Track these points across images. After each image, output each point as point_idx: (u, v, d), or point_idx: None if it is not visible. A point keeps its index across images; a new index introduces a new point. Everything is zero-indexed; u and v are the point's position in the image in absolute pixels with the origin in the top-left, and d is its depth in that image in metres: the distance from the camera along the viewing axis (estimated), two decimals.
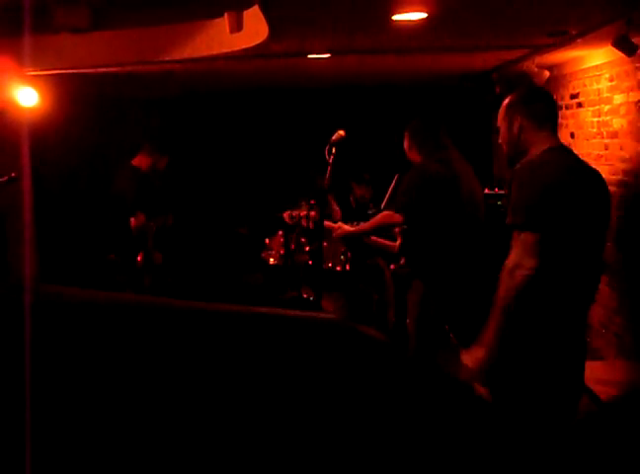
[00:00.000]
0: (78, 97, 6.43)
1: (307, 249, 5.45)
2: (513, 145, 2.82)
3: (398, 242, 4.58)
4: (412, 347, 4.59)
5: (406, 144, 4.26)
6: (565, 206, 2.48)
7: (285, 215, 4.69)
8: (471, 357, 2.45)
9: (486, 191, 5.49)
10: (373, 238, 4.64)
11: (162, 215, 5.51)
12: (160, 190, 5.71)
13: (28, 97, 5.04)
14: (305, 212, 4.60)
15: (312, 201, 5.36)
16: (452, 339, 4.90)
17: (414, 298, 4.50)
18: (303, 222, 4.61)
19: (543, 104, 2.86)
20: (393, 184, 4.97)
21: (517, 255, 2.41)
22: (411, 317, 4.54)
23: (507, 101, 2.93)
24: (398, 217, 4.22)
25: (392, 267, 4.60)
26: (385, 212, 4.38)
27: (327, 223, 4.59)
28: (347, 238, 4.60)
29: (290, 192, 5.94)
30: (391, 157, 7.38)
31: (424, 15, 3.45)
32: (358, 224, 4.88)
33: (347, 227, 4.59)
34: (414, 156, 4.23)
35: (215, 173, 7.90)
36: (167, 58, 4.65)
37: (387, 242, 4.66)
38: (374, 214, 6.05)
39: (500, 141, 2.93)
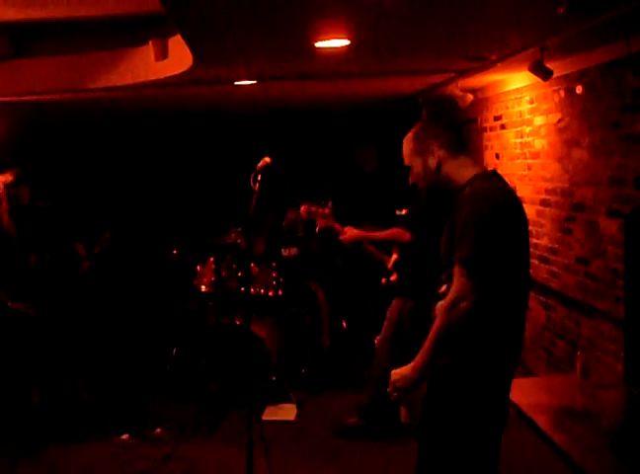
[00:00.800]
0: (2, 124, 6.28)
1: (239, 275, 5.42)
2: (431, 182, 2.61)
3: (393, 257, 4.61)
4: (377, 360, 4.62)
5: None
6: (505, 238, 2.39)
7: (302, 209, 4.62)
8: (400, 375, 2.45)
9: None
10: (371, 248, 4.63)
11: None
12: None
13: None
14: (321, 209, 4.54)
15: (238, 229, 5.34)
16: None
17: (392, 316, 4.55)
18: (318, 221, 4.56)
19: (454, 127, 2.77)
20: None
21: (458, 289, 2.34)
22: (385, 334, 4.57)
23: (412, 133, 2.67)
24: (407, 236, 4.33)
25: (383, 281, 4.61)
26: (397, 229, 4.44)
27: (336, 225, 4.56)
28: (352, 242, 4.55)
29: (220, 218, 5.91)
30: (322, 181, 7.48)
31: (346, 42, 3.49)
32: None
33: (355, 231, 4.55)
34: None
35: (144, 199, 7.80)
36: (92, 86, 4.59)
37: (382, 255, 4.68)
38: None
39: (412, 180, 2.68)
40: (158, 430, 4.77)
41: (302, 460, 4.37)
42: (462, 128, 2.52)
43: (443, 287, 2.47)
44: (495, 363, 2.40)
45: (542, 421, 2.77)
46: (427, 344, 2.39)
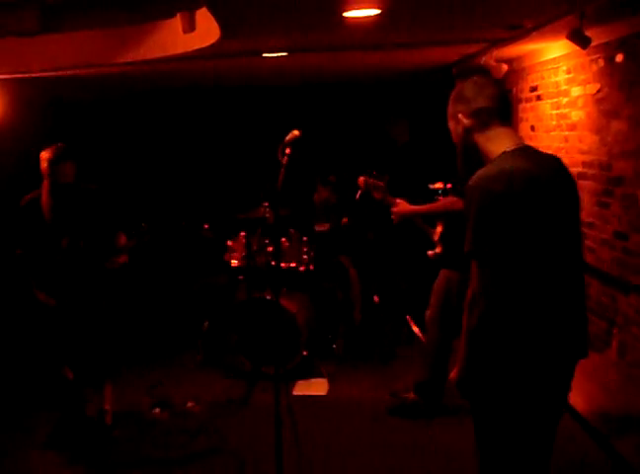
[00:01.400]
0: (32, 102, 6.30)
1: (270, 249, 5.40)
2: (463, 148, 2.51)
3: (438, 230, 4.55)
4: (429, 336, 4.56)
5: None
6: (526, 226, 2.22)
7: (360, 180, 4.61)
8: (453, 380, 2.42)
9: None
10: (419, 221, 4.57)
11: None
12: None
13: None
14: (377, 181, 4.56)
15: (265, 203, 5.30)
16: None
17: (439, 288, 4.47)
18: (374, 193, 4.56)
19: (489, 97, 2.46)
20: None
21: (474, 287, 2.24)
22: (433, 308, 4.50)
23: (450, 95, 2.58)
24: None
25: (430, 253, 4.55)
26: (452, 198, 4.29)
27: (390, 198, 4.53)
28: (405, 215, 4.49)
29: (251, 192, 5.87)
30: (355, 156, 7.40)
31: (377, 11, 3.40)
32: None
33: (407, 205, 4.50)
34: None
35: (174, 175, 7.79)
36: (120, 61, 4.55)
37: (428, 228, 4.63)
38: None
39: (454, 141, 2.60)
40: (189, 404, 4.79)
41: (332, 435, 4.35)
42: (501, 99, 2.29)
43: None
44: (533, 350, 2.28)
45: (576, 401, 2.70)
46: (461, 340, 2.33)
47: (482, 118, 2.43)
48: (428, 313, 4.56)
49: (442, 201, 4.40)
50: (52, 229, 4.25)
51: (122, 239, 4.44)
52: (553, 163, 2.47)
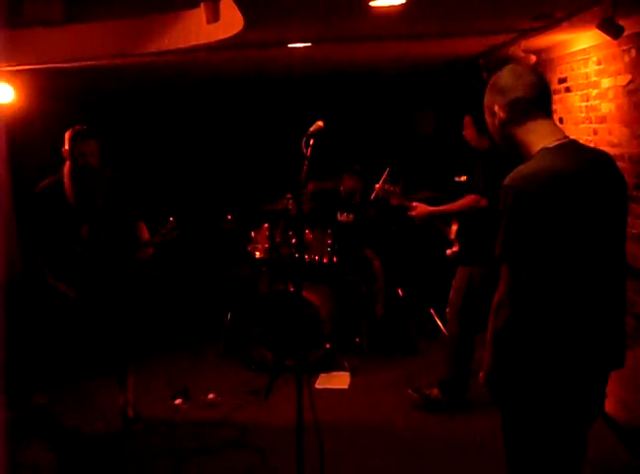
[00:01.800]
0: (58, 92, 6.32)
1: (293, 241, 5.37)
2: (499, 141, 2.37)
3: (454, 228, 4.51)
4: (450, 333, 4.54)
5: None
6: (560, 230, 2.09)
7: (378, 189, 4.86)
8: (482, 379, 2.35)
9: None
10: (437, 222, 4.64)
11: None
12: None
13: (3, 93, 4.93)
14: (393, 187, 4.86)
15: (289, 195, 5.27)
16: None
17: (457, 285, 4.43)
18: (392, 199, 4.81)
19: (527, 86, 2.27)
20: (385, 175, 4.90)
21: (503, 290, 2.14)
22: (452, 304, 4.47)
23: (488, 83, 2.40)
24: (484, 202, 4.13)
25: (448, 252, 4.54)
26: (472, 197, 4.24)
27: (407, 202, 4.60)
28: (423, 217, 4.50)
29: (275, 184, 5.84)
30: (379, 148, 7.34)
31: (402, 0, 3.34)
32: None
33: (425, 207, 4.51)
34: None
35: (197, 165, 7.78)
36: (144, 51, 4.53)
37: (444, 226, 4.63)
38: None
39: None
40: (211, 395, 4.79)
41: (353, 429, 4.32)
42: (540, 89, 2.12)
43: None
44: (563, 355, 2.21)
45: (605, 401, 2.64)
46: (487, 343, 2.27)
47: (520, 109, 2.27)
48: (448, 310, 4.54)
49: (459, 202, 4.35)
50: (72, 216, 4.15)
51: (144, 230, 4.33)
52: (599, 161, 2.29)
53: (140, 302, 5.55)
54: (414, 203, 4.56)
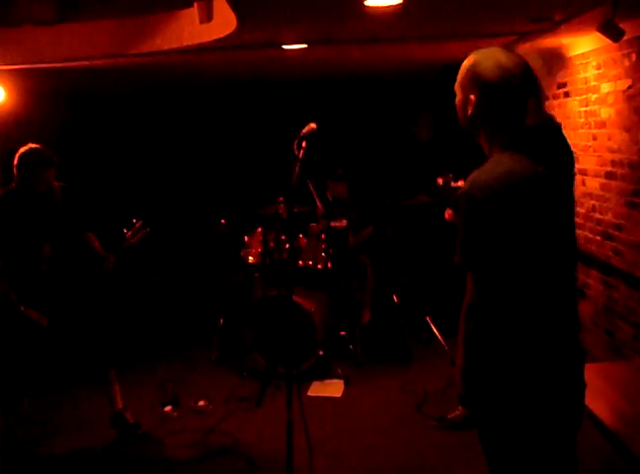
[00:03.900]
0: (48, 92, 6.25)
1: (287, 246, 5.28)
2: (464, 124, 2.21)
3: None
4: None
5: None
6: (514, 233, 2.01)
7: (438, 181, 4.50)
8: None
9: None
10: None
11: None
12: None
13: None
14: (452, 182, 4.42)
15: (280, 198, 5.19)
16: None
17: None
18: (445, 193, 4.42)
19: (514, 88, 2.09)
20: None
21: (471, 296, 2.07)
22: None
23: (468, 61, 2.19)
24: None
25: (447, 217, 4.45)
26: None
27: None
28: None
29: (268, 188, 5.77)
30: (366, 150, 7.27)
31: (399, 0, 3.28)
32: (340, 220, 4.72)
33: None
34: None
35: (190, 169, 7.72)
36: (136, 51, 4.47)
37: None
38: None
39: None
40: (202, 402, 4.70)
41: (345, 438, 4.24)
42: (521, 95, 1.95)
43: None
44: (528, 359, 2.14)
45: (601, 410, 2.56)
46: (458, 346, 2.19)
47: (490, 106, 2.12)
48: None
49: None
50: (30, 237, 3.89)
51: (94, 240, 4.17)
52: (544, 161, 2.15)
53: (118, 310, 5.44)
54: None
